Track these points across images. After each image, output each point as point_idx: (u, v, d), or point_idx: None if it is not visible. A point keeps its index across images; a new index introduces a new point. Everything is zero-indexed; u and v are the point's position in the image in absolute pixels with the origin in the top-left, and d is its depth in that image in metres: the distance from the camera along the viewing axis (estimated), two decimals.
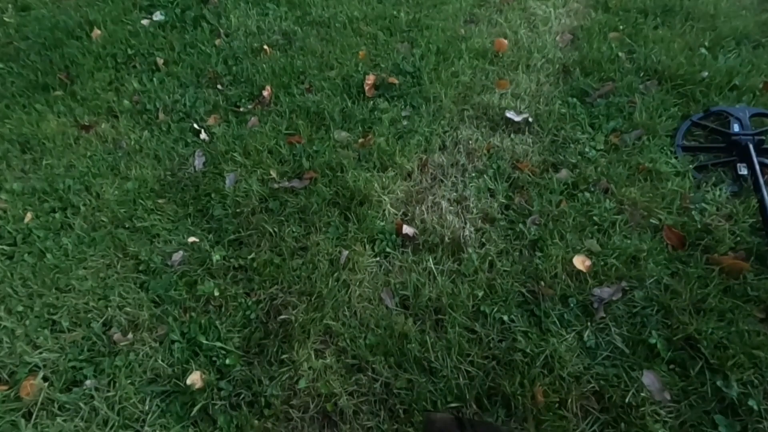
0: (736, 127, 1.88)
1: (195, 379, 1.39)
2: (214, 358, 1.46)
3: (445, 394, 1.31)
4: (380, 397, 1.35)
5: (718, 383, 1.25)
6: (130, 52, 2.64)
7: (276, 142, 2.07)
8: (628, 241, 1.59)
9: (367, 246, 1.69)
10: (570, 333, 1.41)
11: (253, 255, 1.68)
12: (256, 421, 1.33)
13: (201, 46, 2.64)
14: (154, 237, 1.78)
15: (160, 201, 1.90)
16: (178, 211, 1.86)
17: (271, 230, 1.75)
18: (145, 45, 2.68)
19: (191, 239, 1.75)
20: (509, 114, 2.11)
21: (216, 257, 1.67)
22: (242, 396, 1.39)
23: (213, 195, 1.90)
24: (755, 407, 1.20)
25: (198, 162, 2.03)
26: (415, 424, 1.27)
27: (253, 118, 2.21)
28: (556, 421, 1.23)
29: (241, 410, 1.35)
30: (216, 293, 1.58)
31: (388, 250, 1.68)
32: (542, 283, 1.52)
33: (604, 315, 1.44)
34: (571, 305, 1.47)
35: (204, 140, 2.13)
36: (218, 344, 1.47)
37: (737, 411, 1.22)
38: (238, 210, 1.83)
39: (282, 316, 1.51)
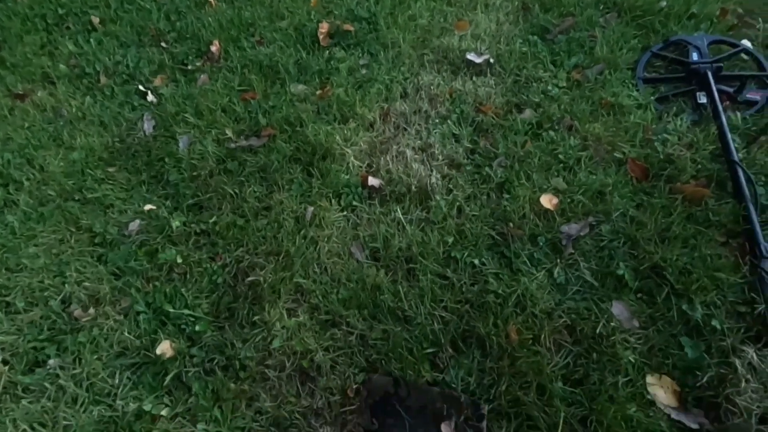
0: (695, 56, 1.87)
1: (165, 348, 1.35)
2: (183, 326, 1.41)
3: (420, 340, 1.32)
4: (356, 349, 1.35)
5: (684, 307, 1.29)
6: (60, 11, 2.43)
7: (229, 100, 1.97)
8: (594, 177, 1.59)
9: (333, 201, 1.65)
10: (540, 271, 1.42)
11: (214, 218, 1.61)
12: (233, 385, 1.31)
13: (139, 2, 2.45)
14: (107, 207, 1.69)
15: (110, 170, 1.79)
16: (130, 178, 1.76)
17: (231, 192, 1.68)
18: (77, 3, 2.47)
19: (147, 207, 1.66)
20: (470, 56, 2.05)
21: (175, 223, 1.59)
22: (216, 361, 1.36)
23: (167, 159, 1.80)
24: (718, 326, 1.25)
25: (147, 126, 1.91)
26: (393, 374, 1.27)
27: (202, 76, 2.09)
28: (530, 357, 1.25)
29: (216, 375, 1.32)
30: (179, 260, 1.52)
31: (354, 203, 1.64)
32: (511, 224, 1.52)
33: (573, 251, 1.45)
34: (541, 244, 1.47)
35: (152, 102, 2.01)
36: (186, 312, 1.43)
37: (702, 332, 1.26)
38: (194, 173, 1.75)
39: (250, 278, 1.47)
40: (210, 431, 1.25)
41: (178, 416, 1.28)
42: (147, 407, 1.25)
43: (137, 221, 1.63)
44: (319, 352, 1.34)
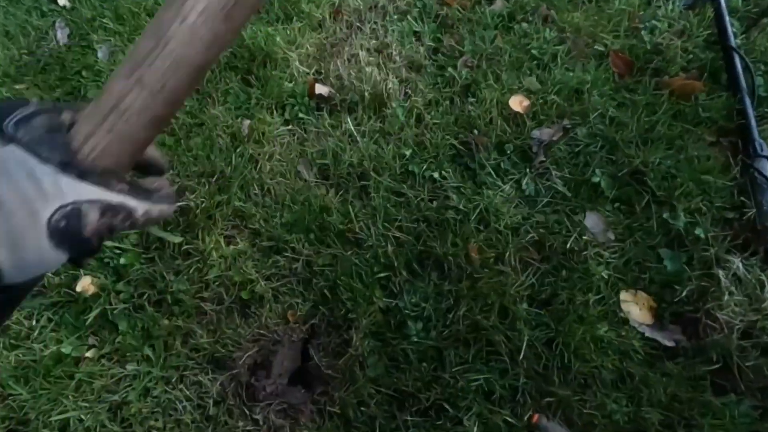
0: None
1: (85, 285, 1.20)
2: (107, 260, 1.26)
3: (371, 265, 1.18)
4: (302, 277, 1.21)
5: (665, 216, 1.15)
6: None
7: (154, 2, 1.69)
8: (571, 74, 1.38)
9: (275, 113, 1.44)
10: (507, 183, 1.26)
11: None
12: (165, 321, 1.18)
13: None
14: None
15: (18, 87, 1.55)
16: (42, 96, 1.53)
17: None
18: None
19: None
20: None
21: None
22: (146, 296, 1.22)
23: (84, 73, 1.56)
24: (702, 235, 1.11)
25: (60, 35, 1.65)
26: (344, 301, 1.14)
27: None
28: (492, 278, 1.12)
29: (146, 311, 1.19)
30: None
31: (300, 115, 1.44)
32: (476, 131, 1.33)
33: (544, 159, 1.28)
34: (508, 152, 1.30)
35: (64, 7, 1.72)
36: (109, 243, 1.27)
37: (683, 242, 1.13)
38: None
39: (180, 203, 1.30)
40: (141, 371, 1.13)
41: (105, 357, 1.15)
42: (66, 350, 1.12)
43: None
44: (261, 281, 1.20)
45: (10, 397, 1.10)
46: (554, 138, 1.30)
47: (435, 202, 1.26)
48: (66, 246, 0.34)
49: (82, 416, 1.09)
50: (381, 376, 1.08)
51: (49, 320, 1.20)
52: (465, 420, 1.00)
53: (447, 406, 1.02)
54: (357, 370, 1.08)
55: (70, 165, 0.34)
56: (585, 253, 1.14)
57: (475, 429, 1.00)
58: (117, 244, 1.26)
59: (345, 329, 1.14)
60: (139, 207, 0.37)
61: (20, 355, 1.15)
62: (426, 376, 1.05)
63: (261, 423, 1.06)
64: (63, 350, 1.12)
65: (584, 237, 1.15)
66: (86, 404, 1.10)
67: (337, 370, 1.10)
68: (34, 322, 1.18)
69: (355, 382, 1.07)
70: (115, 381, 1.12)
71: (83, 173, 0.34)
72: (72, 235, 0.33)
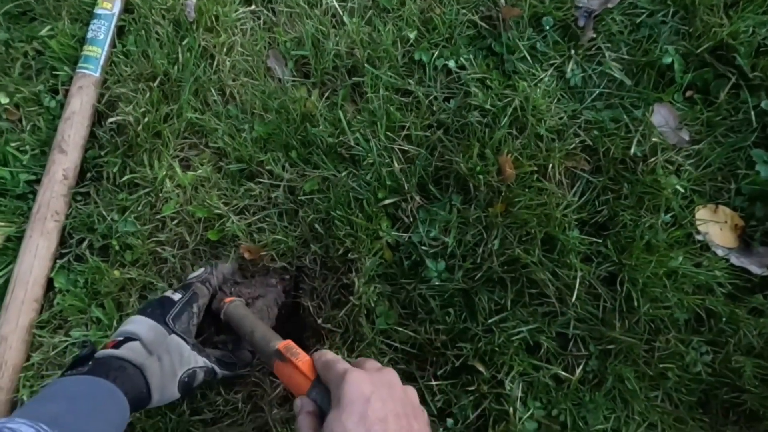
0: None
1: None
2: (29, 196, 0.97)
3: (374, 188, 0.90)
4: (285, 208, 0.94)
5: (763, 104, 0.86)
6: None
7: None
8: None
9: None
10: (546, 70, 0.95)
11: (50, 29, 1.05)
12: (116, 272, 0.92)
13: None
14: None
15: None
16: None
17: None
18: None
19: None
20: None
21: None
22: (85, 242, 0.95)
23: None
24: None
25: None
26: (341, 238, 0.88)
27: None
28: (533, 197, 0.85)
29: (88, 262, 0.93)
30: (4, 100, 1.01)
31: None
32: (503, 1, 0.99)
33: (595, 35, 0.96)
34: (547, 28, 0.98)
35: None
36: (28, 176, 0.97)
37: None
38: None
39: (113, 119, 0.98)
40: (92, 337, 0.89)
41: (44, 325, 0.91)
42: None
43: None
44: (232, 217, 0.93)
45: None
46: (608, 5, 0.97)
47: (452, 101, 0.95)
48: (182, 391, 0.69)
49: (25, 398, 0.86)
50: (394, 330, 0.85)
51: None
52: (506, 381, 0.79)
53: (481, 367, 0.80)
54: (363, 322, 0.85)
55: (195, 345, 0.73)
56: (652, 160, 0.87)
57: (519, 391, 0.79)
58: (36, 177, 0.97)
59: (344, 272, 0.89)
60: (220, 372, 0.76)
61: None
62: (453, 328, 0.83)
63: (240, 402, 0.85)
64: None
65: (651, 138, 0.88)
66: (27, 383, 0.87)
67: (337, 323, 0.87)
68: None
69: (362, 338, 0.85)
70: (59, 352, 0.89)
71: (200, 350, 0.74)
72: (188, 386, 0.70)
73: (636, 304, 0.80)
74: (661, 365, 0.79)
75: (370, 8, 1.04)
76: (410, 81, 0.98)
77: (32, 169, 0.98)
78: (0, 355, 0.84)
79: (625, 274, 0.82)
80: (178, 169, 0.96)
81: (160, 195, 0.95)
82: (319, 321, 0.88)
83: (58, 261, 0.94)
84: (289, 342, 0.67)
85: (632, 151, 0.87)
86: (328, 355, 0.59)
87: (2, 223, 0.93)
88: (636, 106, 0.92)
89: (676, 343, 0.80)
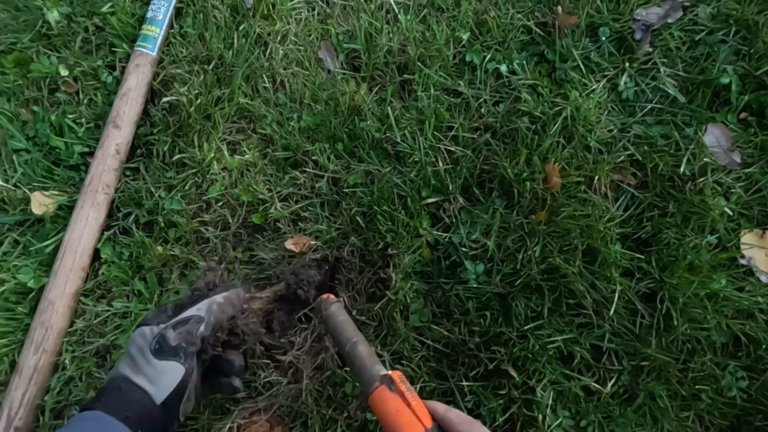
0: None
1: (37, 203, 0.95)
2: (81, 168, 1.00)
3: (418, 186, 0.91)
4: (327, 199, 0.95)
5: None
6: None
7: None
8: None
9: None
10: (599, 81, 0.95)
11: (111, 6, 1.07)
12: (159, 248, 0.95)
13: None
14: None
15: None
16: None
17: None
18: None
19: None
20: None
21: (53, 16, 1.06)
22: (132, 217, 0.98)
23: None
24: None
25: None
26: (382, 233, 0.89)
27: None
28: (577, 208, 0.85)
29: (134, 236, 0.95)
30: (64, 72, 1.04)
31: None
32: (559, 8, 0.99)
33: (651, 49, 0.96)
34: (602, 39, 0.97)
35: None
36: (82, 148, 1.00)
37: None
38: None
39: (167, 98, 1.00)
40: (132, 310, 0.92)
41: (88, 293, 0.94)
42: (25, 279, 0.90)
43: None
44: (276, 202, 0.95)
45: None
46: (668, 20, 0.96)
47: (502, 105, 0.96)
48: (169, 356, 0.61)
49: (67, 361, 0.90)
50: (428, 327, 0.86)
51: (16, 243, 0.97)
52: (537, 388, 0.79)
53: (513, 372, 0.81)
54: (397, 317, 0.86)
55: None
56: (701, 179, 0.86)
57: (549, 399, 0.80)
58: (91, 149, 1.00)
59: (382, 267, 0.90)
60: (193, 309, 0.67)
61: None
62: (487, 331, 0.83)
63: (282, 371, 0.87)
64: (22, 279, 0.90)
65: (702, 158, 0.87)
66: (69, 347, 0.90)
67: (371, 316, 0.89)
68: None
69: (395, 333, 0.86)
70: (101, 321, 0.92)
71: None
72: (166, 349, 0.62)
73: (674, 323, 0.80)
74: (695, 386, 0.78)
75: (425, 6, 1.05)
76: (460, 82, 0.98)
77: (86, 141, 1.00)
78: (47, 319, 0.87)
79: (665, 292, 0.81)
80: (225, 152, 0.98)
81: (207, 176, 0.97)
82: (354, 312, 0.90)
83: (105, 233, 0.96)
84: (401, 373, 0.60)
85: (681, 169, 0.86)
86: (453, 411, 0.55)
87: (56, 192, 0.96)
88: (688, 124, 0.91)
89: (712, 365, 0.79)
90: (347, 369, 0.84)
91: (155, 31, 1.03)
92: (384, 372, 0.59)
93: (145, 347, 0.61)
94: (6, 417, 0.83)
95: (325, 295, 0.77)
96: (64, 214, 0.96)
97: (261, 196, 0.95)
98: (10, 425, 0.83)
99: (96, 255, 0.95)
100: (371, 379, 0.59)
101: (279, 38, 1.05)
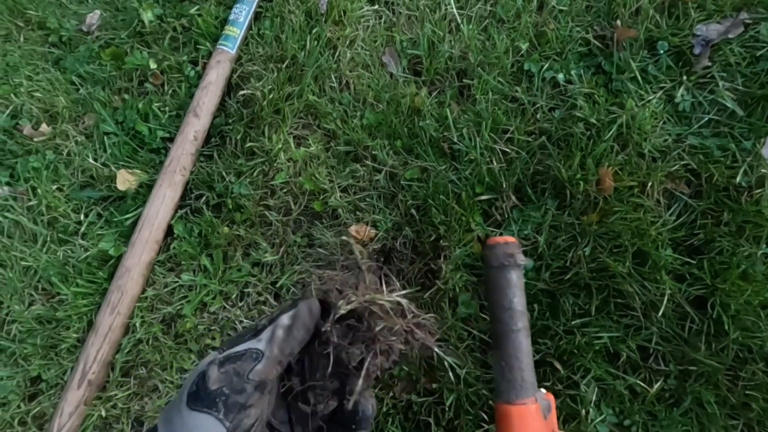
0: None
1: (123, 181, 1.04)
2: (162, 151, 1.09)
3: (472, 183, 0.95)
4: (384, 192, 1.00)
5: None
6: None
7: None
8: None
9: None
10: (655, 92, 0.97)
11: (197, 9, 1.18)
12: (226, 228, 1.02)
13: None
14: None
15: None
16: None
17: None
18: None
19: None
20: None
21: (147, 16, 1.18)
22: (204, 198, 1.06)
23: None
24: None
25: None
26: (435, 225, 0.93)
27: None
28: (629, 212, 0.87)
29: (204, 215, 1.03)
30: (153, 66, 1.14)
31: None
32: (618, 22, 1.02)
33: (710, 63, 0.97)
34: (660, 52, 1.00)
35: None
36: (164, 134, 1.09)
37: None
38: None
39: (243, 92, 1.09)
40: (198, 283, 0.99)
41: (159, 264, 1.02)
42: (107, 247, 0.99)
43: (98, 12, 1.22)
44: (336, 192, 1.01)
45: (57, 297, 0.99)
46: (728, 35, 0.98)
47: (557, 112, 0.99)
48: (203, 405, 0.38)
49: (137, 324, 0.97)
50: (474, 318, 0.89)
51: (99, 216, 1.06)
52: (581, 384, 0.81)
53: (558, 365, 0.83)
54: (446, 306, 0.90)
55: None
56: (758, 191, 0.86)
57: (593, 395, 0.81)
58: (172, 135, 1.09)
59: (432, 258, 0.94)
60: (253, 340, 0.42)
61: (70, 252, 1.03)
62: (534, 324, 0.86)
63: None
64: (104, 247, 0.99)
65: (759, 169, 0.87)
66: (139, 312, 0.98)
67: (420, 304, 0.92)
68: (82, 217, 1.05)
69: (443, 323, 0.89)
70: (169, 291, 0.99)
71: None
72: (202, 394, 0.38)
73: (725, 329, 0.80)
74: (745, 395, 0.78)
75: (486, 17, 1.10)
76: (517, 88, 1.02)
77: (167, 128, 1.10)
78: (123, 284, 0.95)
79: (717, 298, 0.82)
80: (292, 144, 1.06)
81: (274, 165, 1.04)
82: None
83: (179, 211, 1.05)
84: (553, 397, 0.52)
85: (738, 180, 0.87)
86: None
87: (138, 171, 1.06)
88: (746, 137, 0.92)
89: (764, 375, 0.79)
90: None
91: (236, 31, 1.13)
92: (542, 391, 0.51)
93: (186, 387, 0.40)
94: (81, 370, 0.91)
95: (502, 238, 0.59)
96: (144, 191, 1.06)
97: (323, 185, 1.01)
98: (84, 377, 0.90)
99: (169, 230, 1.03)
100: (524, 388, 0.50)
101: (347, 42, 1.12)
